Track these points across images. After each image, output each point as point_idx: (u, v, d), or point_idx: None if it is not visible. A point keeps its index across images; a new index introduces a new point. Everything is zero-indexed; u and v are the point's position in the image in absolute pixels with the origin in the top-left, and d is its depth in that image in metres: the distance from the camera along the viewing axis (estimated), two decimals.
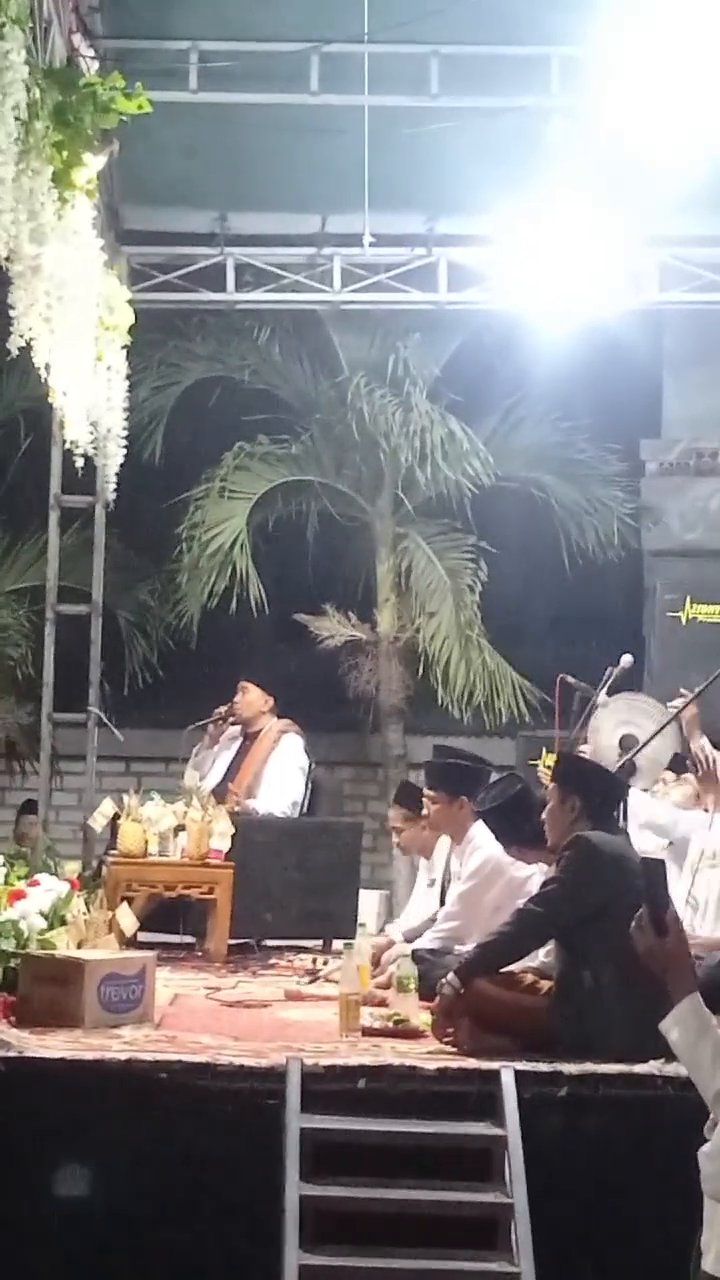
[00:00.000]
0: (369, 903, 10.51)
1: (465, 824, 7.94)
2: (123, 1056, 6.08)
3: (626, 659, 9.25)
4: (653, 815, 8.42)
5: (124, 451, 9.36)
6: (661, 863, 4.32)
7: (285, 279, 10.89)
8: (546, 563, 13.12)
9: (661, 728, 8.59)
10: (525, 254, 10.21)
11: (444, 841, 8.47)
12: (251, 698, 10.21)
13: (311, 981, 8.23)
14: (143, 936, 8.53)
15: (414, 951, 7.39)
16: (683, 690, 8.58)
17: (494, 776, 8.07)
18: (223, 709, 10.24)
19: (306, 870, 9.56)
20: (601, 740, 9.23)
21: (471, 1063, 6.14)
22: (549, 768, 8.52)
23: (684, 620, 12.14)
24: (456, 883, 7.99)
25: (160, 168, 10.11)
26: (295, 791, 10.02)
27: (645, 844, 8.10)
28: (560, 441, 13.33)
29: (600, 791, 6.69)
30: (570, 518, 13.14)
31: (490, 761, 8.61)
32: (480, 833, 7.71)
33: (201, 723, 10.24)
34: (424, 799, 8.30)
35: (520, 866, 7.41)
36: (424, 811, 8.40)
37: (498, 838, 7.40)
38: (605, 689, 9.11)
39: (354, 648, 13.07)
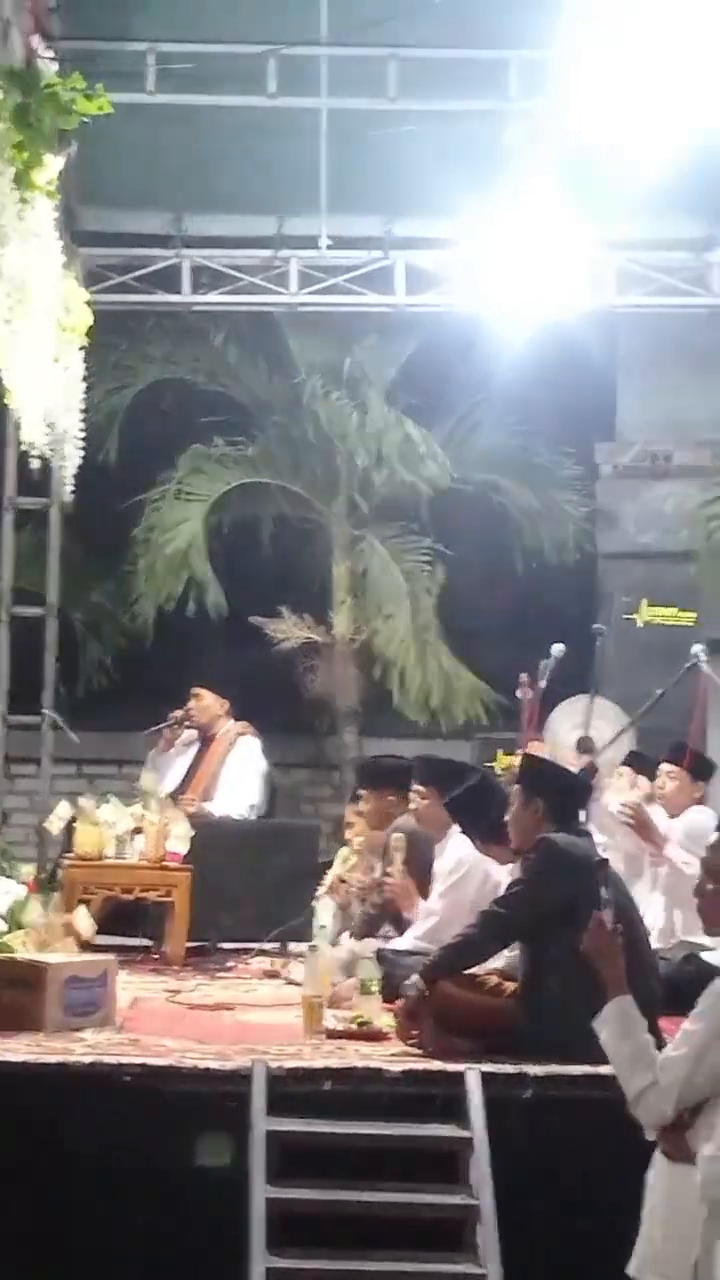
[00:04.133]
0: (326, 905, 10.48)
1: (449, 822, 7.90)
2: (86, 1060, 6.06)
3: (557, 647, 9.23)
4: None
5: (81, 453, 9.33)
6: (602, 862, 4.39)
7: (242, 281, 10.88)
8: (503, 566, 13.12)
9: (621, 732, 8.62)
10: (483, 257, 10.23)
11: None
12: (206, 703, 10.17)
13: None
14: (99, 939, 8.49)
15: (378, 951, 7.36)
16: None
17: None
18: (178, 713, 10.19)
19: (263, 872, 9.53)
20: (558, 741, 9.26)
21: (436, 1065, 6.14)
22: (505, 770, 8.50)
23: (639, 623, 12.16)
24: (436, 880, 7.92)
25: (117, 169, 10.10)
26: (253, 794, 10.00)
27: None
28: (517, 445, 13.32)
29: (563, 793, 6.69)
30: (526, 521, 13.15)
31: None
32: (458, 831, 7.67)
33: (156, 728, 10.20)
34: (414, 794, 8.20)
35: (495, 865, 7.36)
36: (411, 798, 8.46)
37: (461, 830, 7.39)
38: (544, 680, 9.11)
39: (310, 650, 13.03)
